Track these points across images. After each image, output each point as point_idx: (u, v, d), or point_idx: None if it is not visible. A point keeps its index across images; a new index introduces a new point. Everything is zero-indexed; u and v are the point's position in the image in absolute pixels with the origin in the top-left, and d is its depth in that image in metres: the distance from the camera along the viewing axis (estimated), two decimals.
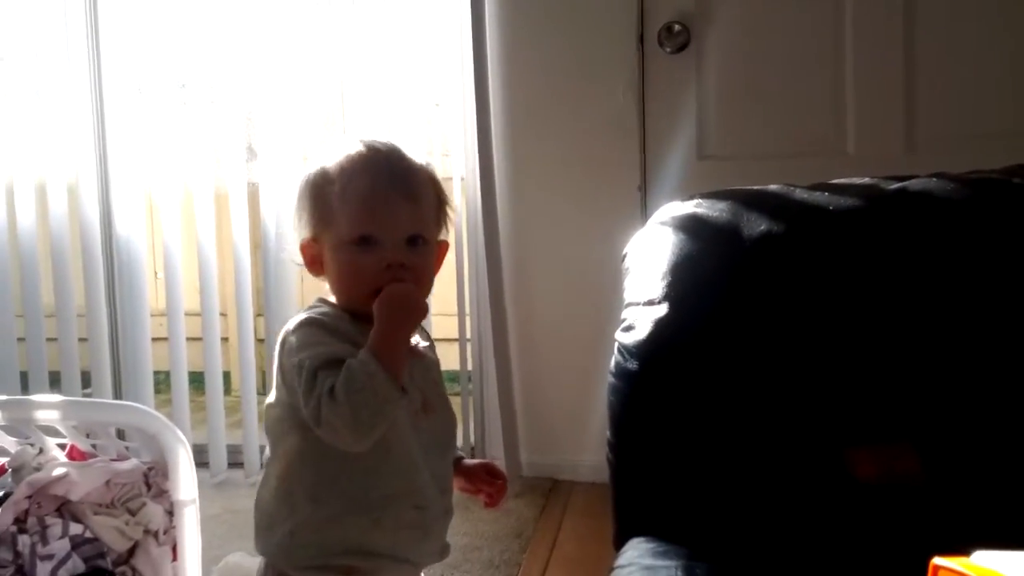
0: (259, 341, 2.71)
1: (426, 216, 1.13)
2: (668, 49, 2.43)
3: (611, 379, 1.26)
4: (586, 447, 2.51)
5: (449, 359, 2.75)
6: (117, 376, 2.68)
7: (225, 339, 2.83)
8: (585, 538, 2.22)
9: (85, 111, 2.60)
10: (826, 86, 2.40)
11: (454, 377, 2.96)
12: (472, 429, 2.60)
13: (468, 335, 2.59)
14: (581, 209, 2.50)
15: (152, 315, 2.68)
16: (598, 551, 2.12)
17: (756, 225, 1.32)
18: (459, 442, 2.59)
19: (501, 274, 2.50)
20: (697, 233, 1.34)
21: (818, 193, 1.40)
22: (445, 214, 1.16)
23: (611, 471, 1.25)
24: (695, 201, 1.40)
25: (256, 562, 2.05)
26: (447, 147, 2.67)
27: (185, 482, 1.60)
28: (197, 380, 2.72)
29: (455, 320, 2.62)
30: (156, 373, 2.69)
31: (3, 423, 1.68)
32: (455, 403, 2.79)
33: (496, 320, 2.50)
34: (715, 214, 1.36)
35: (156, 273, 3.00)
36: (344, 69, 2.68)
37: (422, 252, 1.12)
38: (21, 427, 1.69)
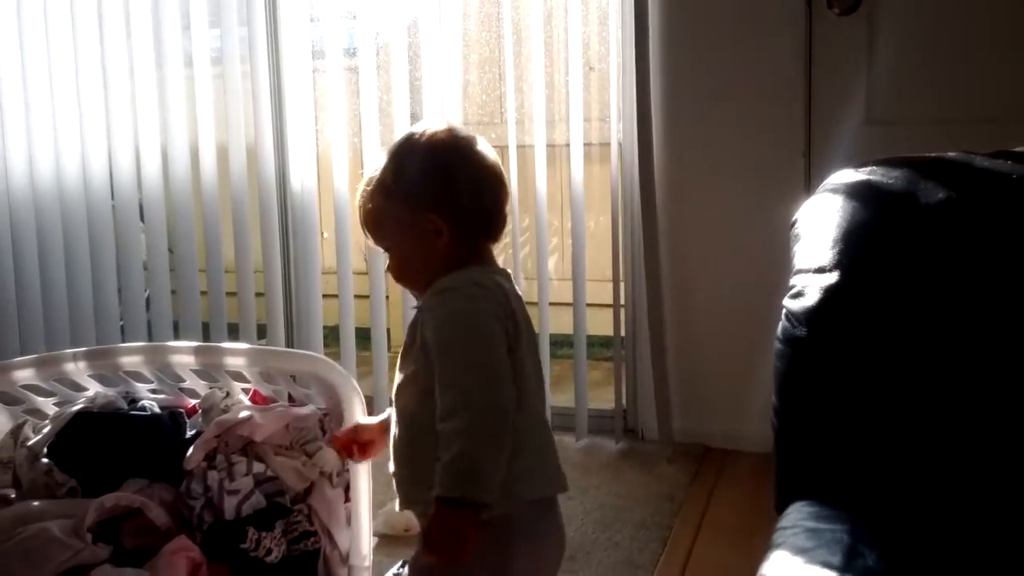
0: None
1: (370, 220, 1.27)
2: (837, 11, 2.35)
3: (778, 345, 1.26)
4: (741, 416, 2.49)
5: (603, 324, 2.78)
6: (290, 329, 2.85)
7: (388, 297, 2.95)
8: (738, 506, 2.22)
9: (263, 77, 2.75)
10: (1008, 45, 2.27)
11: (607, 343, 2.99)
12: (624, 394, 2.62)
13: (623, 301, 2.61)
14: (742, 175, 2.46)
15: (323, 273, 2.82)
16: (752, 519, 2.13)
17: (933, 193, 1.29)
18: (611, 407, 2.65)
19: (657, 240, 2.50)
20: (870, 201, 1.31)
21: (1000, 161, 1.35)
22: (403, 199, 1.23)
23: (775, 435, 1.25)
24: (868, 168, 1.38)
25: None
26: (604, 112, 2.68)
27: None
28: (362, 336, 2.85)
29: (610, 286, 2.65)
30: (325, 328, 2.83)
31: (196, 367, 1.83)
32: (608, 368, 2.83)
33: (651, 286, 2.51)
34: (890, 181, 1.34)
35: (323, 233, 3.15)
36: (504, 37, 2.71)
37: (392, 257, 1.28)
38: (212, 372, 1.83)
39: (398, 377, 1.27)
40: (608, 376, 2.86)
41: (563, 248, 3.31)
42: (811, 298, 1.24)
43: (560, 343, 2.81)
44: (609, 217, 2.62)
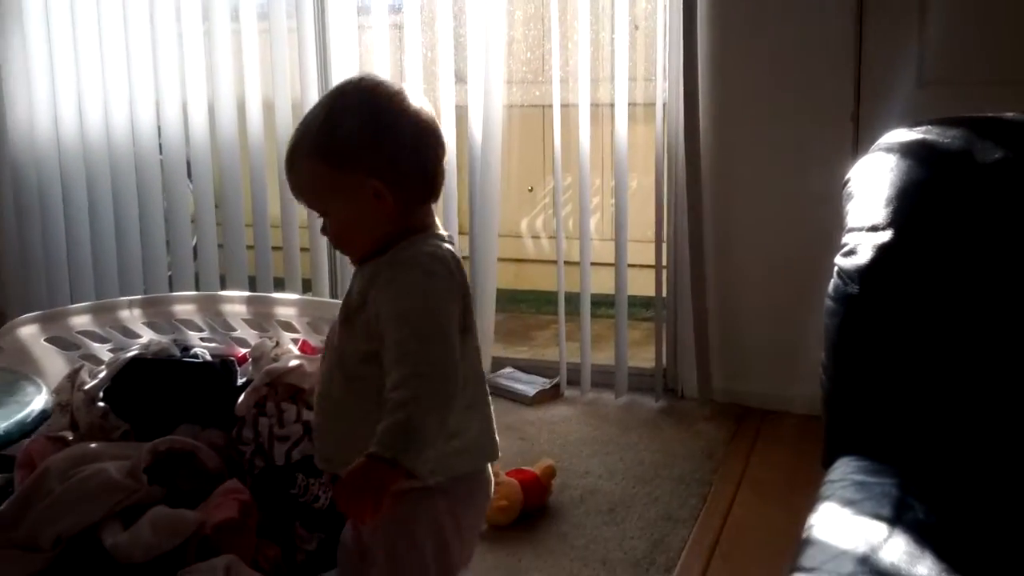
0: (463, 258, 2.82)
1: (304, 184, 1.19)
2: None
3: (829, 302, 1.26)
4: (781, 378, 2.49)
5: (645, 285, 2.79)
6: (334, 284, 2.88)
7: None
8: (777, 465, 2.23)
9: (309, 33, 2.75)
10: None
11: (646, 303, 3.00)
12: (664, 354, 2.63)
13: (664, 262, 2.61)
14: (789, 137, 2.44)
15: None
16: (791, 478, 2.14)
17: (990, 153, 1.28)
18: (651, 366, 2.66)
19: (701, 201, 2.49)
20: (926, 159, 1.31)
21: None
22: (340, 163, 1.16)
23: (824, 391, 1.26)
24: (924, 127, 1.37)
25: None
26: (649, 71, 2.66)
27: None
28: None
29: (649, 246, 2.64)
30: None
31: (247, 317, 1.87)
32: (647, 328, 2.83)
33: (693, 247, 2.51)
34: (946, 140, 1.33)
35: None
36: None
37: (330, 222, 1.20)
38: (262, 321, 1.86)
39: (339, 330, 1.23)
40: (647, 336, 2.87)
41: (603, 208, 3.30)
42: (864, 256, 1.24)
43: (599, 303, 2.81)
44: (651, 178, 2.61)
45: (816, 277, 2.43)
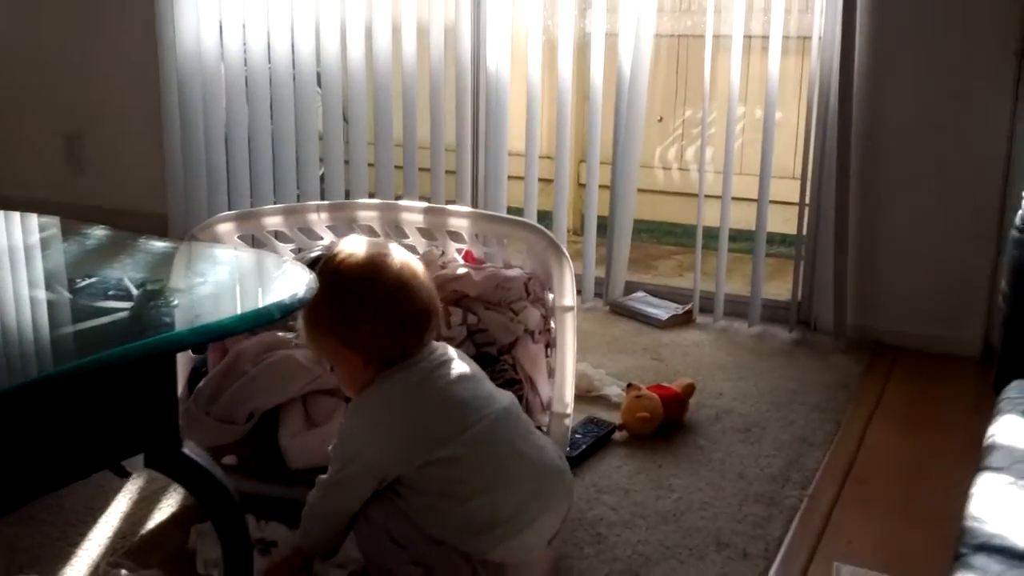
0: (580, 185, 2.86)
1: (314, 342, 1.48)
2: None
3: (1016, 234, 1.30)
4: (916, 317, 2.53)
5: (785, 222, 2.81)
6: (475, 207, 2.98)
7: (548, 181, 3.01)
8: (911, 399, 2.27)
9: None
10: None
11: (779, 240, 3.02)
12: (800, 287, 2.67)
13: (807, 200, 2.63)
14: (945, 74, 2.42)
15: (510, 154, 2.93)
16: (924, 411, 2.19)
17: None
18: (785, 299, 2.70)
19: (850, 138, 2.50)
20: None
21: None
22: (342, 325, 1.43)
23: (1004, 317, 1.31)
24: None
25: (599, 372, 2.28)
26: (804, 3, 2.66)
27: (568, 292, 1.83)
28: (542, 218, 2.96)
29: (783, 183, 2.66)
30: (508, 208, 2.95)
31: (422, 226, 1.98)
32: (777, 264, 2.86)
33: (840, 185, 2.52)
34: None
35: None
36: None
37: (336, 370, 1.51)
38: (435, 231, 1.98)
39: None
40: (775, 271, 2.90)
41: (743, 142, 3.31)
42: None
43: (733, 237, 2.83)
44: (803, 114, 2.61)
45: (964, 220, 2.44)
